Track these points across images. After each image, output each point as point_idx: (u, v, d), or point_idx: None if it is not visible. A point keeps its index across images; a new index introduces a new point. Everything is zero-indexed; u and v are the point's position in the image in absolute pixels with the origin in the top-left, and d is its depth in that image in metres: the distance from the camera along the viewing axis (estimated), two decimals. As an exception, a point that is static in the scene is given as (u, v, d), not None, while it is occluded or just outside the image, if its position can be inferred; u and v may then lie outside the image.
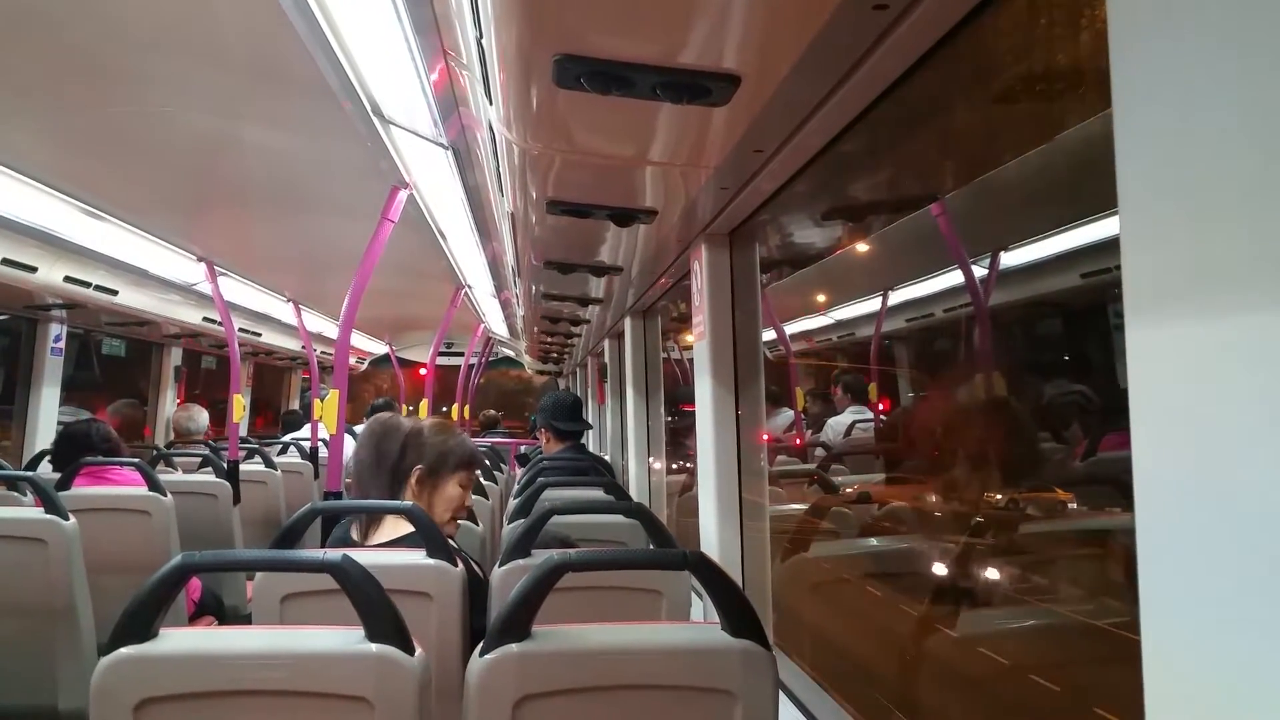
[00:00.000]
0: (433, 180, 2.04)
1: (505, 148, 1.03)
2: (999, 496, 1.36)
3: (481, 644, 0.82)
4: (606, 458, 3.43)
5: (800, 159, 1.02)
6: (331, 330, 4.70)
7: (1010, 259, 1.67)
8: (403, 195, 2.05)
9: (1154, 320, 0.39)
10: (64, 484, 2.05)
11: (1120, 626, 0.96)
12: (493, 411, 7.82)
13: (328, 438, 2.54)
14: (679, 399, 3.16)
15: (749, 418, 1.46)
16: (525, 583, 0.82)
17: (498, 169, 1.29)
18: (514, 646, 0.81)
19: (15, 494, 2.14)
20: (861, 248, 2.06)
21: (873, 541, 1.80)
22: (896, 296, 2.56)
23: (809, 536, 1.72)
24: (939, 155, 1.22)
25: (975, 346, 1.83)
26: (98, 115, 1.62)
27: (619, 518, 1.49)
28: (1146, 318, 0.39)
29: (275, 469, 3.18)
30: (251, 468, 3.10)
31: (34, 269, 2.52)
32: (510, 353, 7.68)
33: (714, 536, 1.44)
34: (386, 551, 1.24)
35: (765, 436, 1.51)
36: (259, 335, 4.57)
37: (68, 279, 2.69)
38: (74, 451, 2.26)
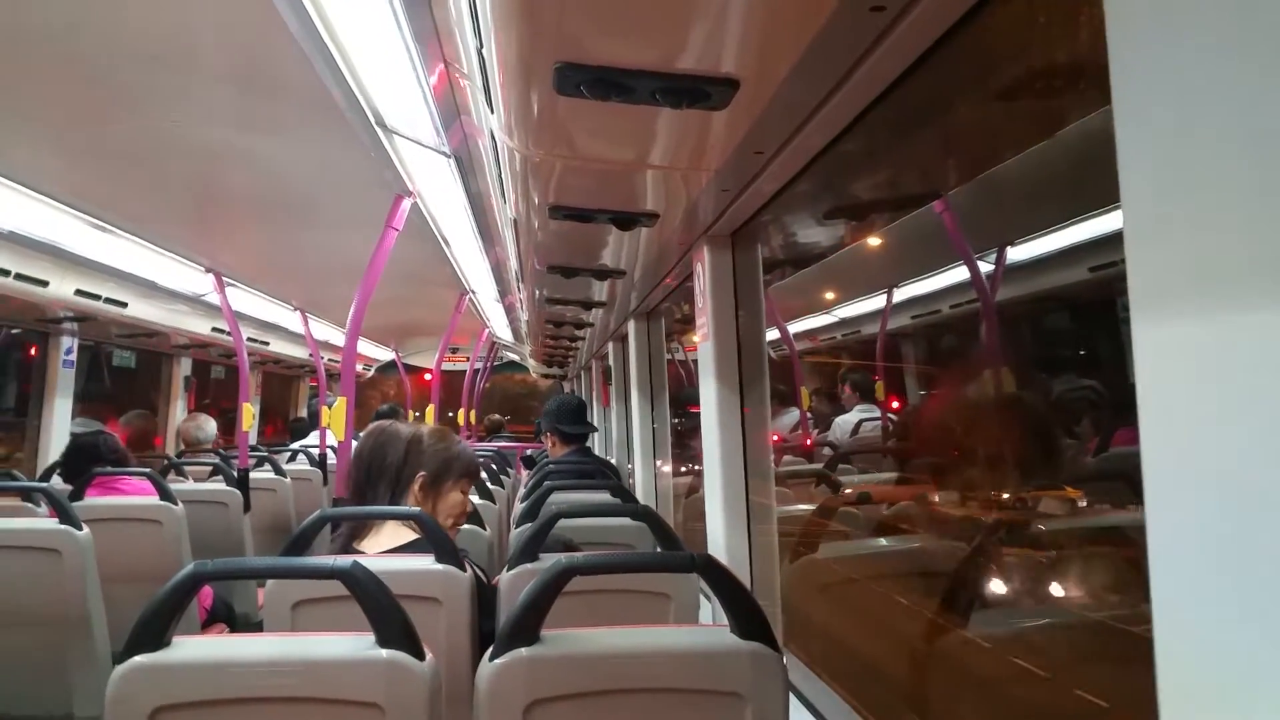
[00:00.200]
0: (436, 188, 2.05)
1: (507, 155, 1.04)
2: (1007, 495, 1.35)
3: (491, 648, 0.82)
4: (612, 461, 3.43)
5: (801, 160, 1.02)
6: (338, 338, 4.71)
7: (1016, 254, 1.66)
8: (406, 203, 2.07)
9: (1160, 317, 0.39)
10: (76, 495, 2.07)
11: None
12: (497, 416, 7.79)
13: (335, 444, 2.56)
14: (684, 400, 3.15)
15: (754, 418, 1.46)
16: (534, 587, 0.83)
17: (500, 176, 1.30)
18: (524, 651, 0.81)
19: (30, 505, 2.16)
20: (864, 246, 2.05)
21: (882, 541, 1.79)
22: (901, 293, 2.55)
23: (816, 538, 1.71)
24: (939, 154, 1.22)
25: (982, 342, 1.82)
26: (105, 130, 1.63)
27: (625, 521, 1.50)
28: (1152, 315, 0.39)
29: (285, 476, 3.20)
30: (261, 475, 3.12)
31: (45, 283, 2.55)
32: (515, 357, 7.69)
33: (721, 539, 1.43)
34: (396, 557, 1.24)
35: (773, 437, 1.51)
36: (267, 344, 4.60)
37: (79, 292, 2.71)
38: (83, 463, 2.27)
